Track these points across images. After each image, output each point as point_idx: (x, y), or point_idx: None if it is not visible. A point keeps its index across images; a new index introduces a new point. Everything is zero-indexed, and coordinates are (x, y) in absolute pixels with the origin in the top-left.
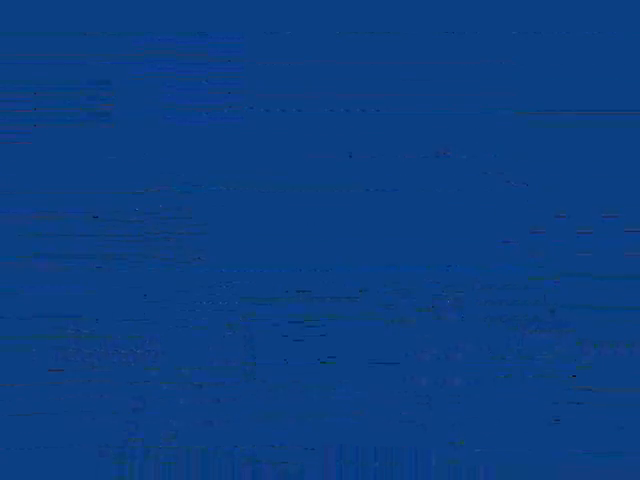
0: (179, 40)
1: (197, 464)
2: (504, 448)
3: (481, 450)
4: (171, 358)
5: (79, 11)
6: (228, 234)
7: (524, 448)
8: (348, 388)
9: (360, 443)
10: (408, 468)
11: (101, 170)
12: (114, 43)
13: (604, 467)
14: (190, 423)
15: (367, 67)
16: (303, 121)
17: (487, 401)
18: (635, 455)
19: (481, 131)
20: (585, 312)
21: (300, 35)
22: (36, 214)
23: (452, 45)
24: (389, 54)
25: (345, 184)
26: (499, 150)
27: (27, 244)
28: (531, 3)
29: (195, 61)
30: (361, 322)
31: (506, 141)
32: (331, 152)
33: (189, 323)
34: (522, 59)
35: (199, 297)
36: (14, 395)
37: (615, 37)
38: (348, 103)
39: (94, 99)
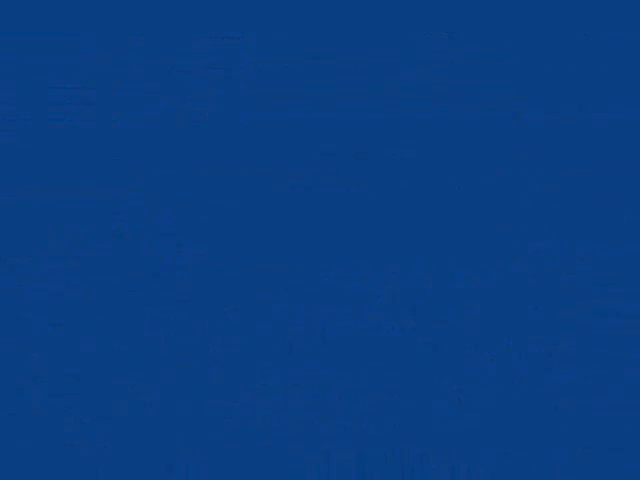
0: (178, 41)
1: (196, 466)
2: (504, 449)
3: (480, 452)
4: (170, 358)
5: (82, 12)
6: (227, 234)
7: (524, 449)
8: (348, 392)
9: (360, 447)
10: (409, 471)
11: (101, 169)
12: (114, 43)
13: (604, 466)
14: (189, 426)
15: (366, 67)
16: (302, 122)
17: (487, 403)
18: (635, 455)
19: (481, 131)
20: (585, 311)
21: (300, 36)
22: (36, 213)
23: (453, 45)
24: (389, 54)
25: (345, 185)
26: (499, 150)
27: (27, 243)
28: (532, 4)
29: (195, 62)
30: (361, 324)
31: (506, 141)
32: (331, 153)
33: (188, 324)
34: (522, 59)
35: (198, 298)
36: (14, 396)
37: (615, 37)
38: (348, 104)
39: (94, 99)
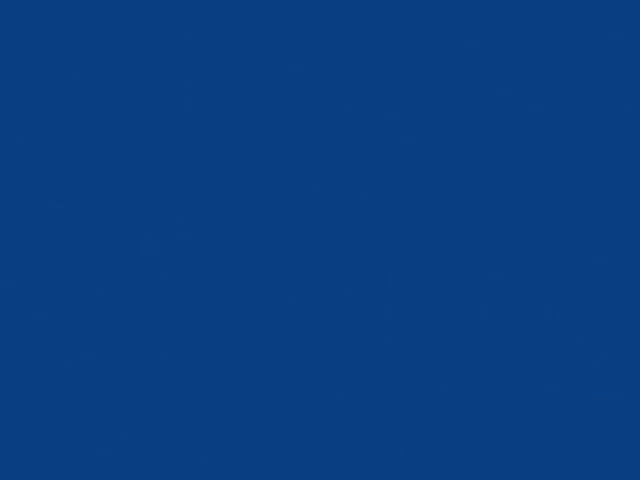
0: (178, 42)
1: (195, 467)
2: (504, 451)
3: (479, 455)
4: (170, 359)
5: (86, 15)
6: (227, 234)
7: (523, 452)
8: (346, 392)
9: (357, 449)
10: (408, 473)
11: (101, 168)
12: (114, 43)
13: (604, 467)
14: (187, 430)
15: (366, 68)
16: (301, 123)
17: (487, 404)
18: (634, 455)
19: (481, 130)
20: (584, 313)
21: (300, 36)
22: (35, 212)
23: (453, 45)
24: (390, 54)
25: (344, 185)
26: (500, 150)
27: (27, 242)
28: (532, 5)
29: (195, 62)
30: (361, 326)
31: (506, 141)
32: (330, 153)
33: (188, 324)
34: (523, 59)
35: (197, 298)
36: (14, 398)
37: (615, 37)
38: (347, 105)
39: (94, 98)
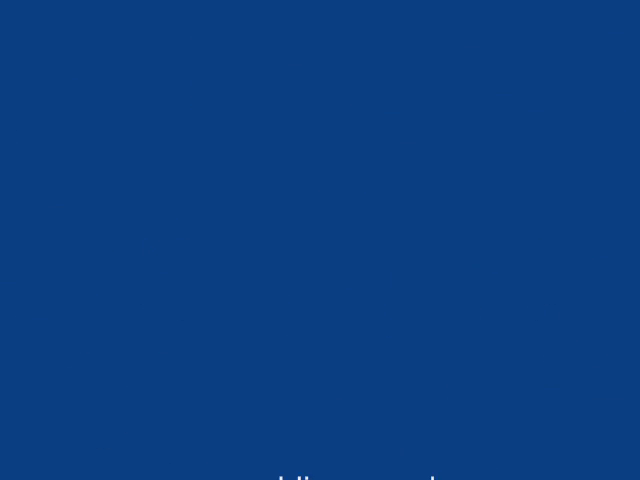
0: (177, 43)
1: (194, 467)
2: (504, 452)
3: (480, 457)
4: (170, 359)
5: (87, 15)
6: (227, 235)
7: (523, 453)
8: (346, 393)
9: (357, 450)
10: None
11: (101, 169)
12: (114, 44)
13: (603, 467)
14: (187, 430)
15: (366, 68)
16: (301, 124)
17: (488, 405)
18: (634, 457)
19: (483, 131)
20: (583, 313)
21: (301, 37)
22: (35, 212)
23: (454, 46)
24: (390, 55)
25: (344, 185)
26: (500, 150)
27: (27, 243)
28: (533, 7)
29: (194, 62)
30: (361, 327)
31: (506, 141)
32: (331, 153)
33: (188, 325)
34: (523, 60)
35: (198, 298)
36: (14, 398)
37: (615, 38)
38: (347, 105)
39: (94, 98)
